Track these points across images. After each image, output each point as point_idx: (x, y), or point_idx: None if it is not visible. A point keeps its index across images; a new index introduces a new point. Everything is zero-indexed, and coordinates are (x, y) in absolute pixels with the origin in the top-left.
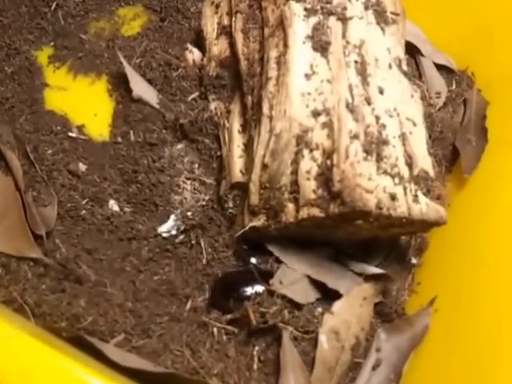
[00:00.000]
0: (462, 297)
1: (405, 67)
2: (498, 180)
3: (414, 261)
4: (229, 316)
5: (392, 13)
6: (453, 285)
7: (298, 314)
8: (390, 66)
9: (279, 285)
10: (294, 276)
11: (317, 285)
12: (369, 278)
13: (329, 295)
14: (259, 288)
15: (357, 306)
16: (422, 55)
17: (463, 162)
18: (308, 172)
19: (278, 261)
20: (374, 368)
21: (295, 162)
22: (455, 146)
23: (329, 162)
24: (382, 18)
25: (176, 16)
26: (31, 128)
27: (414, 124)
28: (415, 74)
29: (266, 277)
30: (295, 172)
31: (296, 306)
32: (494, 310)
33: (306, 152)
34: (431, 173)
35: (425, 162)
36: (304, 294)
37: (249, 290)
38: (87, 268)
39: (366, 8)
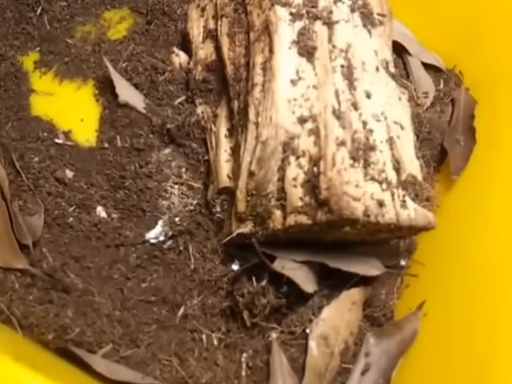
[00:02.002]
0: (451, 300)
1: (392, 69)
2: (486, 181)
3: (402, 263)
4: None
5: (379, 14)
6: (442, 287)
7: (289, 312)
8: (377, 69)
9: (281, 269)
10: (294, 264)
11: (318, 272)
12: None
13: (329, 285)
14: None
15: (346, 310)
16: (410, 54)
17: (451, 164)
18: (295, 179)
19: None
20: (363, 373)
21: (282, 169)
22: (443, 147)
23: (315, 169)
24: (368, 20)
25: (162, 18)
26: (17, 135)
27: (402, 127)
28: (402, 73)
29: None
30: (282, 179)
31: (291, 303)
32: (484, 313)
33: (292, 159)
34: (419, 177)
35: (413, 167)
36: (306, 280)
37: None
38: (75, 276)
39: (353, 11)
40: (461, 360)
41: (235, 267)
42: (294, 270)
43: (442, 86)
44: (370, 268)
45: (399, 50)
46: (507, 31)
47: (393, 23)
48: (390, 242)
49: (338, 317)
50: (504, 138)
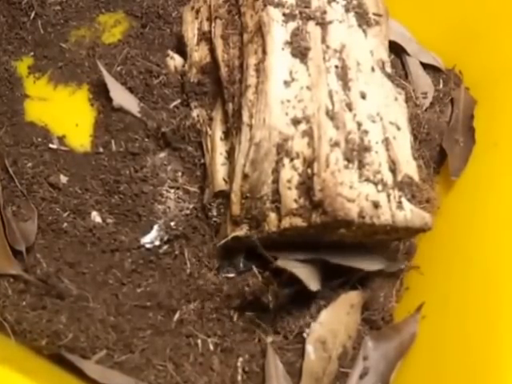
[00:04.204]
0: (450, 302)
1: (388, 69)
2: (486, 182)
3: (401, 265)
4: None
5: (374, 14)
6: (441, 290)
7: (286, 315)
8: (373, 69)
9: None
10: (297, 263)
11: (321, 272)
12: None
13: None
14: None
15: (344, 314)
16: (408, 54)
17: (450, 165)
18: (289, 181)
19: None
20: (361, 377)
21: (276, 171)
22: (442, 147)
23: (309, 170)
24: (363, 19)
25: (157, 22)
26: (11, 141)
27: (398, 128)
28: (401, 74)
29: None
30: (276, 181)
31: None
32: (483, 315)
33: (286, 161)
34: (416, 178)
35: (409, 167)
36: (310, 278)
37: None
38: (69, 282)
39: (347, 11)
40: (459, 363)
41: (231, 272)
42: (298, 267)
43: (441, 85)
44: (372, 263)
45: (397, 50)
46: (507, 30)
47: (390, 23)
48: (390, 245)
49: (335, 320)
50: (504, 138)
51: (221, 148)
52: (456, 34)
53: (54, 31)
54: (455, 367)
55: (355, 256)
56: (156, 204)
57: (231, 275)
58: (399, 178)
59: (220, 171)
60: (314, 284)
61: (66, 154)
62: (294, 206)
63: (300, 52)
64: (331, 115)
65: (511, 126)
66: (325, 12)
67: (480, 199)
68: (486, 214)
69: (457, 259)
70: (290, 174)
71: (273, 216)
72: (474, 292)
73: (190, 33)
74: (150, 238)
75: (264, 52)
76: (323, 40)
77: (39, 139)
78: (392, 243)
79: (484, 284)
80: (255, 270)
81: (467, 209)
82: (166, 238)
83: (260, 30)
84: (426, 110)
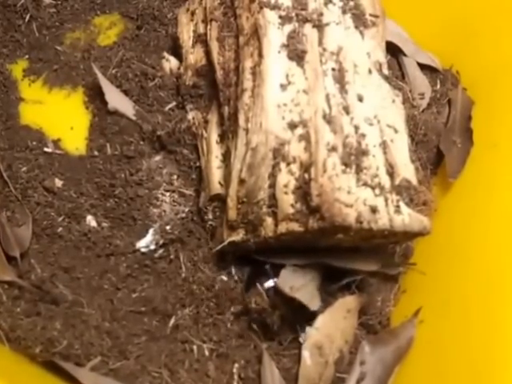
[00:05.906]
0: (448, 306)
1: (385, 71)
2: (484, 183)
3: (400, 268)
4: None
5: (371, 15)
6: (439, 294)
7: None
8: (370, 71)
9: (290, 290)
10: (301, 280)
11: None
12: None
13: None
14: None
15: (340, 318)
16: (405, 55)
17: (448, 166)
18: (286, 186)
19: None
20: (358, 382)
21: (273, 176)
22: (440, 149)
23: (306, 175)
24: (360, 21)
25: (153, 23)
26: (6, 145)
27: (396, 131)
28: (398, 74)
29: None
30: (273, 186)
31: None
32: (481, 319)
33: (283, 165)
34: (414, 181)
35: (407, 171)
36: (312, 297)
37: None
38: (64, 287)
39: (344, 12)
40: (458, 368)
41: (226, 276)
42: (301, 289)
43: (438, 86)
44: (369, 264)
45: (394, 50)
46: (504, 29)
47: (387, 23)
48: (386, 248)
49: (332, 325)
50: (502, 138)
51: (216, 151)
52: (453, 34)
53: (49, 34)
54: (454, 372)
55: (352, 258)
56: (151, 207)
57: (226, 280)
58: (397, 181)
59: (216, 174)
60: (313, 303)
61: (60, 157)
62: (291, 210)
63: (296, 55)
64: (328, 119)
65: (509, 126)
66: (321, 14)
67: (478, 201)
68: (484, 216)
69: (455, 262)
70: (286, 178)
71: (269, 221)
72: (473, 295)
73: (186, 35)
74: (146, 242)
75: (260, 55)
76: (320, 42)
77: (34, 143)
78: (389, 246)
79: (483, 286)
80: (259, 287)
81: (465, 211)
82: (161, 242)
83: (256, 33)
84: (423, 110)
